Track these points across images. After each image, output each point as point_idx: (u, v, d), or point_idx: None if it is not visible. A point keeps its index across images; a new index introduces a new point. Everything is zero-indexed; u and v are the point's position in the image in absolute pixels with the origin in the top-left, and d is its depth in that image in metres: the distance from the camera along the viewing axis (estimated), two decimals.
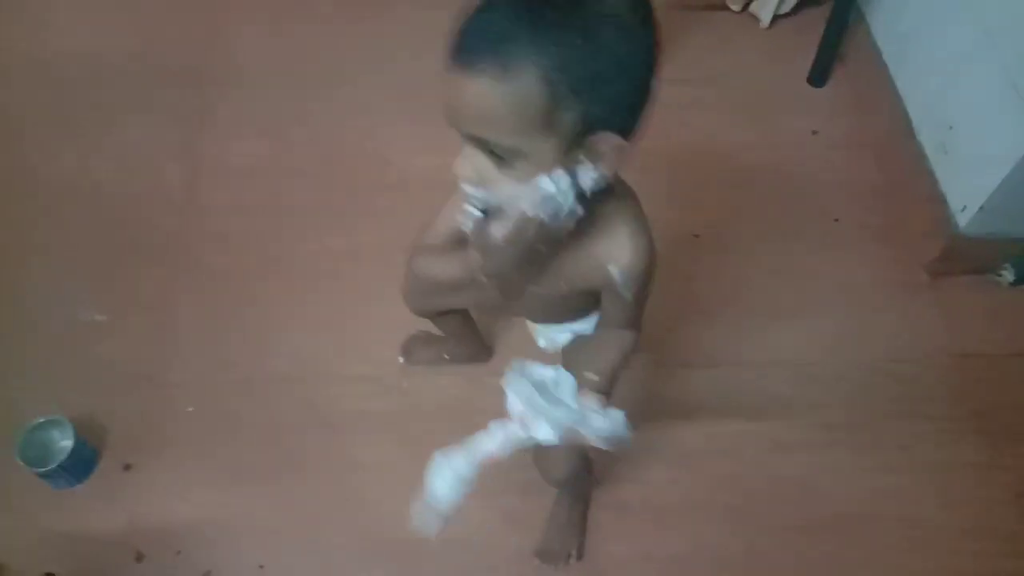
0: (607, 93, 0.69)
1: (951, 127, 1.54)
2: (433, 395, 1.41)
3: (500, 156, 0.71)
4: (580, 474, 1.28)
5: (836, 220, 1.66)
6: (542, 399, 0.81)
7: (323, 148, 1.71)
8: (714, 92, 1.86)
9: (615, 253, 0.86)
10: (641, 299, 0.92)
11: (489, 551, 1.28)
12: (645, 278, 0.88)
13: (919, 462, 1.39)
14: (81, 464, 1.31)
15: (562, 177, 0.73)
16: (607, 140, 0.71)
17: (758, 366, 1.48)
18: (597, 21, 0.66)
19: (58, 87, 1.76)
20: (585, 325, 1.04)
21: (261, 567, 1.26)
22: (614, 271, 0.86)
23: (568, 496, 1.32)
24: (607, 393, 0.90)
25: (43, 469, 1.26)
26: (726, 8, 1.99)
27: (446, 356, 1.43)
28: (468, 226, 0.79)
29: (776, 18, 1.96)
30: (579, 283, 0.91)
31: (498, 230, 0.78)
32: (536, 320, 1.10)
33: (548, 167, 0.72)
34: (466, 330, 1.38)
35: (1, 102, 1.74)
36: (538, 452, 1.14)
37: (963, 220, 1.48)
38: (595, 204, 0.79)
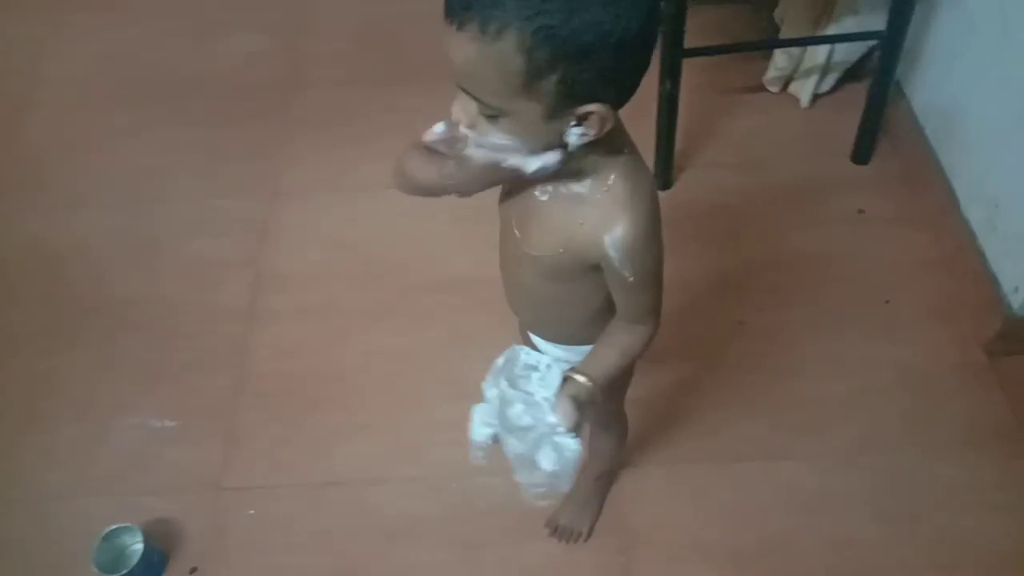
0: (590, 65, 0.68)
1: (997, 205, 1.52)
2: (485, 497, 1.43)
3: (489, 110, 0.72)
4: (608, 447, 1.26)
5: (887, 302, 1.64)
6: (512, 409, 0.83)
7: (375, 252, 1.78)
8: (757, 174, 1.88)
9: (608, 222, 0.80)
10: (647, 280, 0.85)
11: None
12: (645, 251, 0.82)
13: (986, 552, 1.35)
14: (150, 569, 1.36)
15: (553, 156, 0.75)
16: (592, 108, 0.72)
17: (812, 458, 1.46)
18: (580, 19, 0.65)
19: (129, 204, 1.88)
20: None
21: None
22: (608, 245, 0.80)
23: (592, 471, 1.29)
24: (593, 401, 0.88)
25: (116, 575, 1.32)
26: (765, 90, 2.02)
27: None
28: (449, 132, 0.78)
29: (816, 97, 1.98)
30: (573, 251, 0.84)
31: (477, 153, 0.76)
32: (531, 328, 1.06)
33: (533, 128, 0.73)
34: None
35: (77, 225, 1.86)
36: None
37: (1016, 301, 1.45)
38: (586, 158, 0.78)
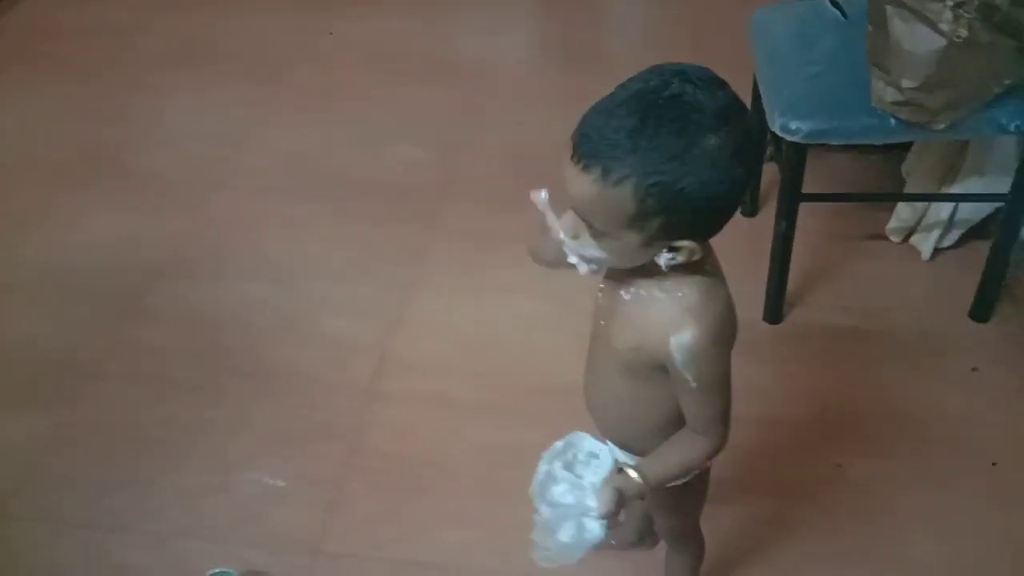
0: (689, 211, 0.80)
1: None
2: None
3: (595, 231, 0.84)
4: (681, 566, 1.26)
5: (994, 464, 1.61)
6: (557, 487, 0.90)
7: (493, 351, 1.90)
8: (870, 321, 1.90)
9: (677, 325, 0.87)
10: (709, 388, 0.90)
11: None
12: (708, 359, 0.88)
13: None
14: None
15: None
16: (685, 244, 0.84)
17: None
18: (696, 153, 0.77)
19: (285, 283, 2.10)
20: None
21: None
22: (673, 345, 0.87)
23: (676, 556, 1.30)
24: (642, 497, 0.92)
25: None
26: (886, 239, 2.05)
27: (612, 542, 1.46)
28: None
29: (937, 251, 1.99)
30: (645, 350, 0.91)
31: (569, 251, 0.88)
32: (604, 430, 1.09)
33: (629, 250, 0.84)
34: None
35: (238, 296, 2.08)
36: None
37: None
38: (669, 285, 0.88)
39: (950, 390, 1.75)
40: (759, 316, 1.90)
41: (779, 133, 1.65)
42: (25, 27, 2.97)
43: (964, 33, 1.43)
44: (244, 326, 1.98)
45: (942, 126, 1.57)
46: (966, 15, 1.42)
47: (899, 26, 1.49)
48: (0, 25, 2.95)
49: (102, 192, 2.33)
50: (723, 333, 0.90)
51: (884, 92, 1.56)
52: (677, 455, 0.97)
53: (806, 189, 1.74)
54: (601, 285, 0.99)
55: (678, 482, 1.00)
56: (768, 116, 1.70)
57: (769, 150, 2.02)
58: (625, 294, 0.93)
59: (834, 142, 1.72)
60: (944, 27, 1.44)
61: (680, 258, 0.85)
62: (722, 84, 0.81)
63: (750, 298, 1.89)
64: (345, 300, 2.04)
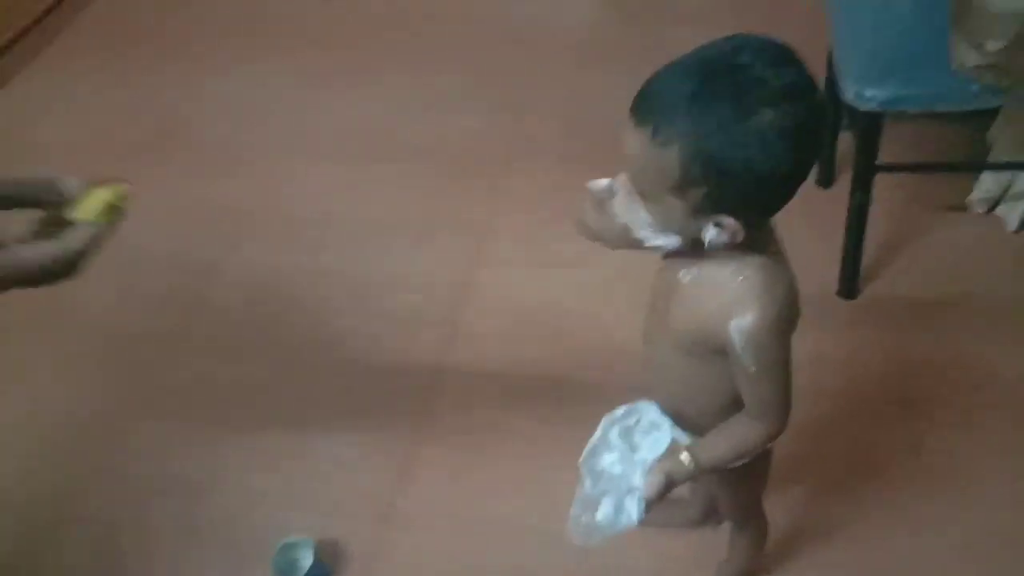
0: (735, 188, 0.78)
1: None
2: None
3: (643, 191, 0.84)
4: (743, 547, 1.26)
5: None
6: (609, 455, 0.91)
7: (559, 324, 1.90)
8: (953, 295, 1.83)
9: (737, 308, 0.86)
10: (768, 374, 0.88)
11: None
12: (768, 344, 0.86)
13: None
14: None
15: (672, 240, 0.86)
16: (727, 221, 0.81)
17: None
18: (749, 128, 0.75)
19: (354, 253, 2.13)
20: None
21: None
22: (733, 330, 0.86)
23: (726, 570, 1.30)
24: (694, 480, 0.94)
25: None
26: (969, 209, 1.98)
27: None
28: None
29: None
30: (704, 332, 0.90)
31: (619, 212, 0.88)
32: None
33: (674, 218, 0.83)
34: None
35: (309, 266, 2.12)
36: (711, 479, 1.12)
37: None
38: (730, 251, 0.85)
39: None
40: (834, 290, 1.85)
41: (852, 102, 1.59)
42: (103, 11, 3.06)
43: None
44: (315, 297, 2.03)
45: None
46: None
47: None
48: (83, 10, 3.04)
49: (175, 165, 2.39)
50: (784, 319, 0.88)
51: (966, 55, 1.49)
52: (732, 440, 0.96)
53: (883, 158, 1.68)
54: (661, 265, 0.97)
55: (735, 464, 0.98)
56: (841, 84, 1.64)
57: (845, 119, 1.96)
58: (685, 275, 0.92)
59: (911, 110, 1.65)
60: None
61: (724, 236, 0.83)
62: (794, 61, 0.79)
63: (825, 271, 1.85)
64: (412, 271, 2.06)
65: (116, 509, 1.67)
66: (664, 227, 0.86)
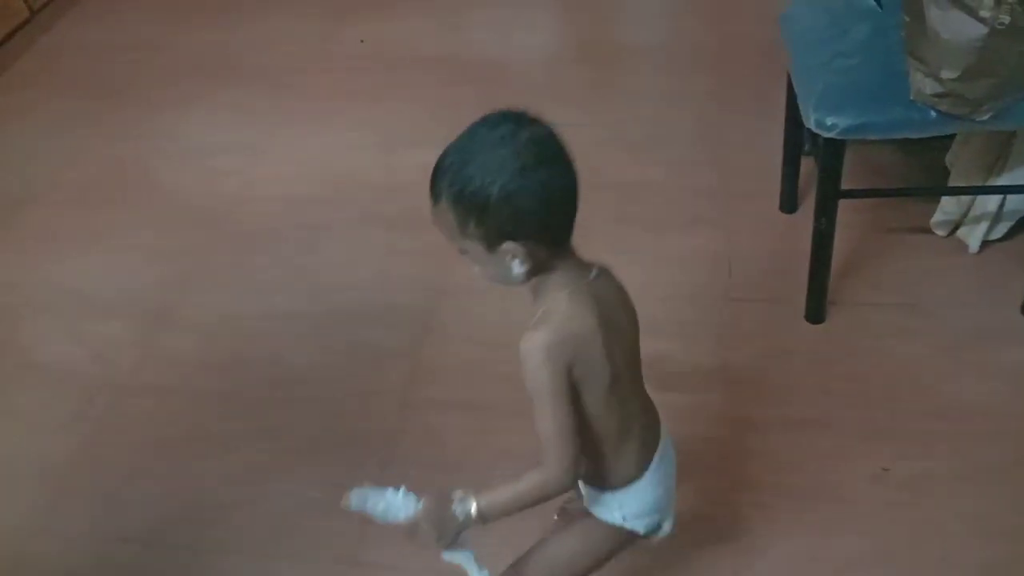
0: (491, 216, 0.94)
1: None
2: None
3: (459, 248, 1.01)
4: None
5: None
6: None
7: None
8: (916, 318, 1.85)
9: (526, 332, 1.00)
10: (540, 404, 0.99)
11: None
12: (534, 368, 0.98)
13: None
14: None
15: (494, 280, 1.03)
16: (513, 247, 0.96)
17: None
18: (488, 159, 0.94)
19: (311, 294, 2.10)
20: None
21: None
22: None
23: None
24: (482, 522, 1.03)
25: None
26: (930, 232, 1.99)
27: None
28: None
29: (986, 243, 1.93)
30: None
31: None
32: None
33: (484, 259, 0.99)
34: None
35: (263, 307, 2.09)
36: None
37: None
38: (540, 291, 1.02)
39: (999, 387, 1.69)
40: (800, 315, 1.85)
41: (814, 129, 1.60)
42: (51, 47, 3.02)
43: (1006, 19, 1.37)
44: (273, 337, 1.99)
45: (985, 117, 1.51)
46: (1008, 1, 1.37)
47: (936, 15, 1.43)
48: (28, 47, 3.00)
49: (126, 209, 2.36)
50: (550, 346, 0.98)
51: (923, 84, 1.51)
52: (512, 485, 1.04)
53: (845, 183, 1.69)
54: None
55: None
56: (803, 111, 1.66)
57: (807, 144, 1.98)
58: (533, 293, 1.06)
59: (872, 137, 1.66)
60: (984, 14, 1.38)
61: (525, 264, 0.98)
62: (540, 121, 0.97)
63: (790, 297, 1.86)
64: (375, 308, 2.03)
65: (74, 555, 1.62)
66: (491, 274, 1.02)
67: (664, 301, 1.89)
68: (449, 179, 0.96)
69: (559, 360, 0.98)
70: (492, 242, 0.97)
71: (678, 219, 2.14)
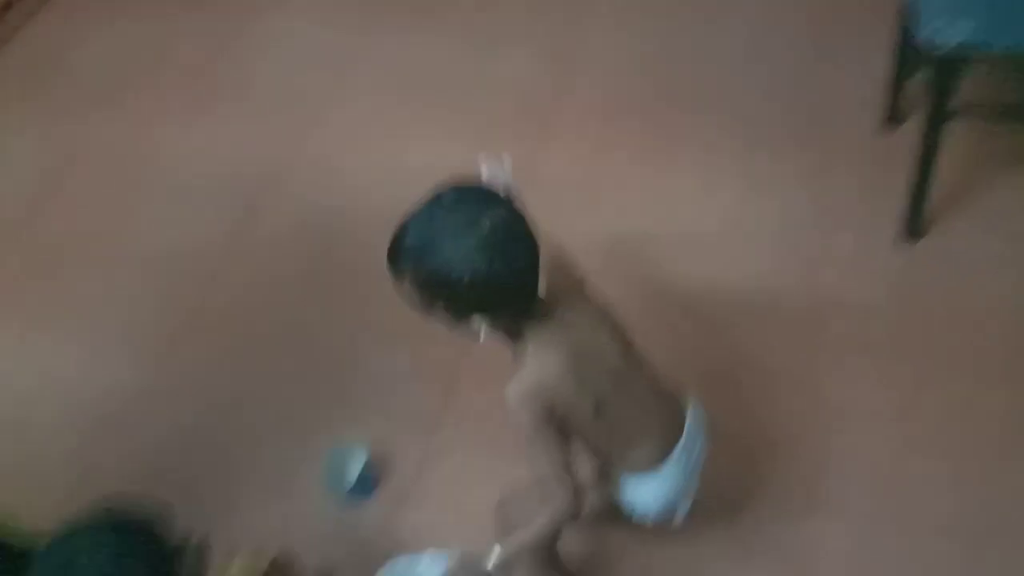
0: (457, 297, 1.01)
1: None
2: None
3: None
4: None
5: None
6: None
7: (603, 257, 1.91)
8: (1014, 248, 1.80)
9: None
10: (532, 445, 1.06)
11: None
12: (519, 411, 1.05)
13: None
14: (367, 485, 1.57)
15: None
16: (479, 318, 1.05)
17: None
18: (446, 245, 0.99)
19: (390, 185, 2.10)
20: None
21: None
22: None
23: None
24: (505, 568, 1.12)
25: (339, 483, 1.55)
26: None
27: None
28: None
29: None
30: None
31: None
32: None
33: (449, 325, 1.07)
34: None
35: (345, 208, 2.13)
36: None
37: None
38: (518, 341, 1.09)
39: None
40: (896, 236, 1.82)
41: (927, 43, 1.52)
42: None
43: None
44: (360, 230, 2.00)
45: None
46: None
47: None
48: None
49: (224, 108, 2.36)
50: (531, 393, 1.05)
51: None
52: (527, 528, 1.13)
53: (956, 102, 1.61)
54: None
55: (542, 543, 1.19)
56: (916, 23, 1.57)
57: (917, 61, 1.90)
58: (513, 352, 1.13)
59: (992, 51, 1.55)
60: None
61: (485, 328, 1.05)
62: (498, 201, 1.03)
63: (885, 216, 1.83)
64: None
65: (178, 416, 1.75)
66: (458, 333, 1.09)
67: (760, 221, 1.90)
68: (412, 265, 1.01)
69: (536, 407, 1.05)
70: (459, 317, 1.05)
71: (775, 139, 2.09)
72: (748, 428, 1.58)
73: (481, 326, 1.05)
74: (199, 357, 1.84)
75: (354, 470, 1.57)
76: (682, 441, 1.18)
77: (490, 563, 1.12)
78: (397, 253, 1.03)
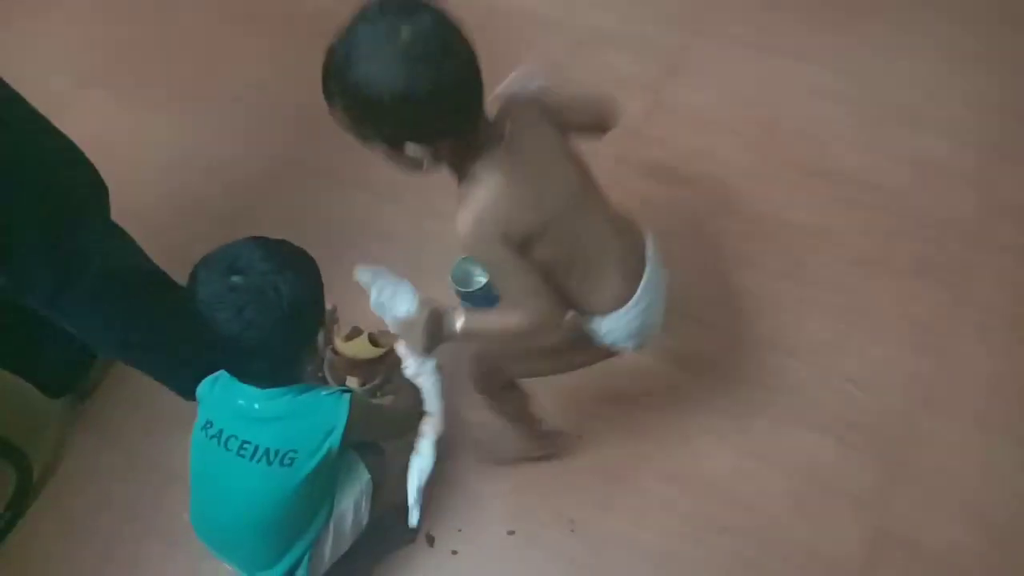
0: (395, 122, 0.93)
1: None
2: None
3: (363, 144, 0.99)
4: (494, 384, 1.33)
5: None
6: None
7: (767, 116, 1.82)
8: None
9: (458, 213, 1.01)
10: (498, 272, 1.03)
11: None
12: (476, 246, 1.00)
13: None
14: (491, 297, 1.58)
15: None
16: (414, 148, 0.95)
17: None
18: (371, 54, 0.88)
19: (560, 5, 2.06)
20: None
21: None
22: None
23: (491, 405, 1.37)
24: (454, 336, 1.08)
25: (465, 290, 1.58)
26: None
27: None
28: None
29: None
30: None
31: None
32: None
33: (388, 155, 0.98)
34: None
35: (510, 13, 2.06)
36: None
37: None
38: (460, 171, 1.01)
39: None
40: None
41: None
42: None
43: None
44: (524, 40, 1.98)
45: None
46: None
47: None
48: None
49: None
50: (481, 222, 0.98)
51: None
52: (498, 315, 1.08)
53: None
54: None
55: (498, 340, 1.18)
56: None
57: None
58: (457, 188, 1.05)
59: None
60: None
61: (425, 159, 0.96)
62: (422, 8, 0.89)
63: None
64: (627, 35, 1.99)
65: (309, 198, 1.79)
66: (400, 168, 1.00)
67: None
68: (337, 84, 0.92)
69: (490, 233, 0.99)
70: (393, 144, 0.96)
71: None
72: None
73: (420, 155, 0.96)
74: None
75: (479, 280, 1.60)
76: (645, 276, 1.13)
77: (447, 328, 1.09)
78: (324, 73, 0.93)
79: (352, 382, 1.48)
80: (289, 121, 1.97)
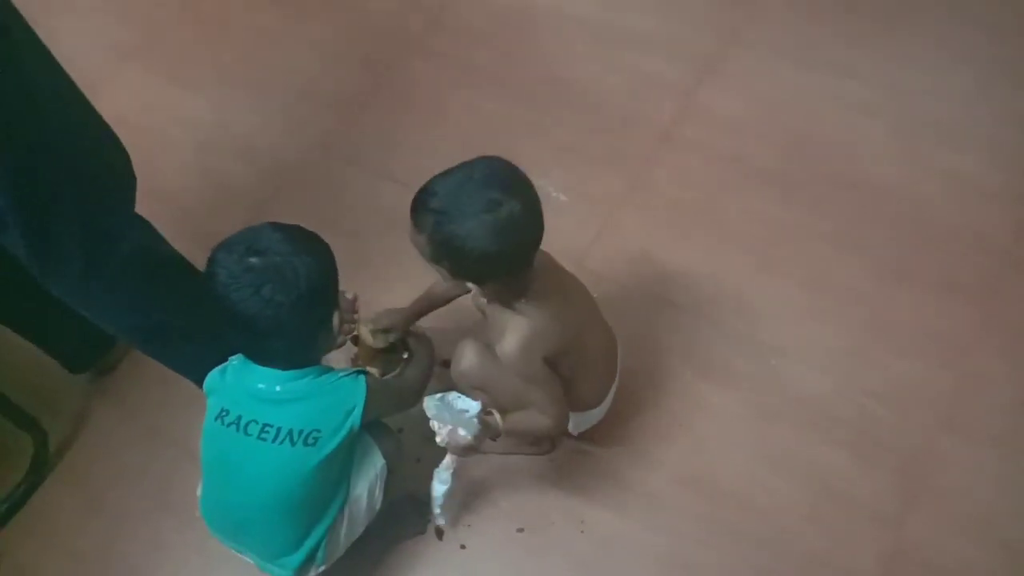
0: (471, 270, 1.13)
1: None
2: None
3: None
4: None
5: None
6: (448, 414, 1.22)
7: (802, 126, 1.81)
8: None
9: (504, 336, 1.21)
10: (533, 385, 1.23)
11: None
12: (517, 363, 1.20)
13: None
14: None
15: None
16: (471, 286, 1.21)
17: None
18: (468, 220, 1.07)
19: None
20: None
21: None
22: (499, 351, 1.22)
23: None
24: (492, 436, 1.24)
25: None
26: None
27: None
28: None
29: None
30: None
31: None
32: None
33: (447, 278, 1.17)
34: None
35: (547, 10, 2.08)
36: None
37: None
38: (501, 311, 1.22)
39: None
40: None
41: None
42: None
43: None
44: (557, 39, 2.01)
45: None
46: None
47: None
48: None
49: None
50: (524, 348, 1.19)
51: None
52: (528, 419, 1.27)
53: None
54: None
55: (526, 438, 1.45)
56: None
57: None
58: (489, 310, 1.27)
59: None
60: None
61: (477, 291, 1.23)
62: (524, 190, 1.10)
63: None
64: (662, 35, 1.98)
65: (341, 187, 1.82)
66: (449, 282, 1.24)
67: None
68: (433, 224, 1.09)
69: (536, 357, 1.21)
70: (457, 277, 1.16)
71: None
72: None
73: (473, 289, 1.22)
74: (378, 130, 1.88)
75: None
76: (617, 379, 1.40)
77: (499, 424, 1.25)
78: (421, 211, 1.10)
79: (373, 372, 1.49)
80: (329, 111, 1.97)
